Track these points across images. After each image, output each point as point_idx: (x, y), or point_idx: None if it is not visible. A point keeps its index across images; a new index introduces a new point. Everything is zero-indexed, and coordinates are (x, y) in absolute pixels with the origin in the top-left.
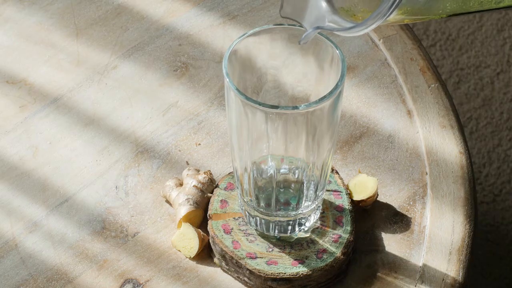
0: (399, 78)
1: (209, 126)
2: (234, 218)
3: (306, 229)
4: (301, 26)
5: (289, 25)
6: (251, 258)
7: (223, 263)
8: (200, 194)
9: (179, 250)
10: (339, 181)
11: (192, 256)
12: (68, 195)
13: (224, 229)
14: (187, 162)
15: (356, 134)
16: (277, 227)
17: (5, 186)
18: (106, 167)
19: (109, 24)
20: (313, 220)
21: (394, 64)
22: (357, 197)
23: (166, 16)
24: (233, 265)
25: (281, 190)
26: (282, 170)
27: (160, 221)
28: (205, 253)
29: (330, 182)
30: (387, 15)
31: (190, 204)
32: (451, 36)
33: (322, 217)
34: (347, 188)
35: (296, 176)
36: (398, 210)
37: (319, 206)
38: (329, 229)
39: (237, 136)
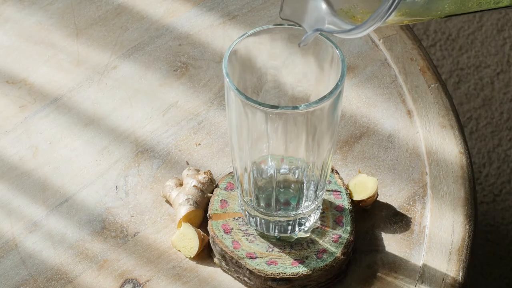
0: (399, 78)
1: (209, 126)
2: (234, 218)
3: (306, 229)
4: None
5: (289, 25)
6: (251, 258)
7: (223, 263)
8: (200, 194)
9: (179, 250)
10: (339, 181)
11: (192, 256)
12: (68, 195)
13: (224, 229)
14: (187, 162)
15: (356, 134)
16: (277, 227)
17: (5, 186)
18: (106, 167)
19: (109, 24)
20: (313, 220)
21: (394, 64)
22: (357, 197)
23: (166, 16)
24: (233, 265)
25: (281, 190)
26: (282, 170)
27: (160, 221)
28: (205, 253)
29: (330, 182)
30: (386, 17)
31: (190, 204)
32: (451, 36)
33: (322, 217)
34: (347, 188)
35: (296, 176)
36: (398, 210)
37: (319, 206)
38: (329, 229)
39: (237, 136)
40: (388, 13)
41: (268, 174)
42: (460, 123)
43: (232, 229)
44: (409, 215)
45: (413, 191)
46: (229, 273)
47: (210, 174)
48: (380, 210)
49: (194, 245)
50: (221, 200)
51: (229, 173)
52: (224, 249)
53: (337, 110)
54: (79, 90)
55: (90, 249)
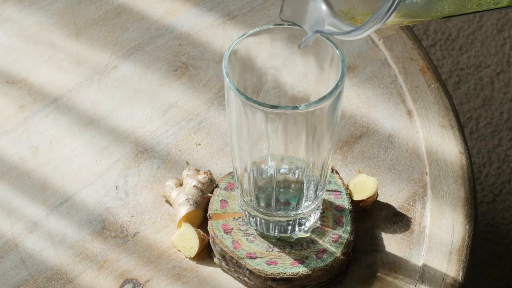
0: (399, 78)
1: (209, 126)
2: (234, 218)
3: (306, 229)
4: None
5: (289, 25)
6: (251, 258)
7: (223, 263)
8: (200, 194)
9: (179, 250)
10: (339, 181)
11: (192, 256)
12: (68, 195)
13: (224, 229)
14: (187, 162)
15: (356, 134)
16: (277, 227)
17: (5, 186)
18: (106, 167)
19: (109, 24)
20: (313, 220)
21: (394, 64)
22: (357, 197)
23: (166, 16)
24: (233, 265)
25: (281, 190)
26: (282, 170)
27: (160, 221)
28: (205, 253)
29: (330, 182)
30: (385, 18)
31: (190, 204)
32: (451, 36)
33: (322, 217)
34: (347, 188)
35: (296, 176)
36: (398, 210)
37: (319, 206)
38: (329, 229)
39: (237, 136)
40: (388, 15)
41: (268, 174)
42: (460, 123)
43: (232, 229)
44: (409, 215)
45: (413, 191)
46: (229, 273)
47: (210, 174)
48: (380, 210)
49: (194, 245)
50: (221, 200)
51: (229, 173)
52: (224, 249)
53: (337, 110)
54: (79, 90)
55: (90, 249)
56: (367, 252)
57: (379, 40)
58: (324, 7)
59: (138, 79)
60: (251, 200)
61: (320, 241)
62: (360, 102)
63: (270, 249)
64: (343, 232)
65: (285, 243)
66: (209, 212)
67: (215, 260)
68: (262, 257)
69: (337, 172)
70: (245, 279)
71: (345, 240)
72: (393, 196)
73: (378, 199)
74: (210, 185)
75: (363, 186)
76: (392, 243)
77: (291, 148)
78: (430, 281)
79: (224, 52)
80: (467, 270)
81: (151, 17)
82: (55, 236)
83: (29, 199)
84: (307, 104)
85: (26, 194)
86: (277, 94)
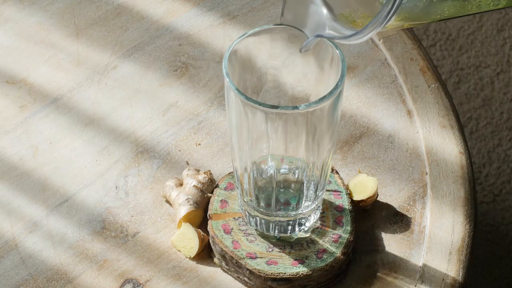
0: (399, 78)
1: (209, 126)
2: (234, 218)
3: (306, 229)
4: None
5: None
6: (251, 258)
7: (223, 263)
8: (200, 194)
9: (179, 250)
10: (339, 181)
11: (192, 256)
12: (68, 195)
13: (224, 229)
14: (187, 162)
15: (356, 134)
16: (277, 227)
17: (5, 186)
18: (106, 167)
19: (109, 24)
20: (313, 220)
21: (394, 64)
22: (357, 197)
23: (166, 16)
24: (233, 265)
25: (281, 190)
26: (282, 170)
27: (160, 221)
28: (205, 253)
29: (330, 182)
30: (385, 22)
31: (190, 204)
32: (451, 36)
33: (322, 217)
34: (347, 188)
35: (296, 176)
36: (398, 210)
37: (319, 206)
38: (329, 229)
39: (237, 136)
40: (387, 19)
41: (268, 174)
42: (460, 123)
43: (232, 229)
44: (409, 215)
45: (413, 191)
46: (229, 273)
47: (210, 174)
48: (380, 210)
49: (194, 245)
50: (221, 200)
51: (229, 173)
52: (224, 249)
53: (337, 110)
54: (79, 90)
55: (90, 249)
56: (367, 252)
57: (379, 40)
58: (324, 10)
59: (138, 79)
60: (251, 200)
61: (320, 241)
62: (360, 102)
63: (270, 249)
64: (343, 232)
65: (285, 243)
66: (209, 212)
67: (215, 260)
68: (262, 257)
69: (337, 172)
70: (245, 279)
71: (345, 240)
72: (393, 196)
73: (378, 199)
74: (210, 185)
75: (363, 186)
76: (392, 243)
77: (291, 148)
78: (430, 281)
79: (224, 52)
80: (467, 270)
81: (151, 17)
82: (55, 236)
83: (29, 199)
84: (307, 104)
85: (26, 194)
86: (277, 94)
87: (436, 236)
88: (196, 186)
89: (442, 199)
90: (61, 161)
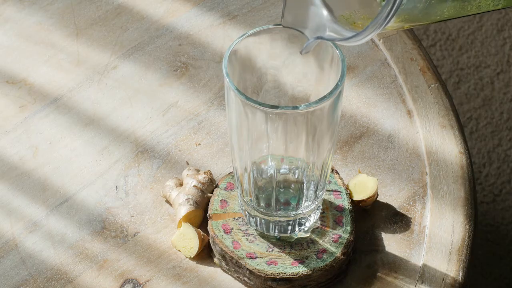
0: (399, 78)
1: (209, 126)
2: (234, 218)
3: (306, 229)
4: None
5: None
6: (251, 258)
7: (223, 263)
8: (200, 194)
9: (179, 250)
10: (339, 181)
11: (192, 256)
12: (68, 195)
13: (224, 229)
14: (187, 162)
15: (356, 134)
16: (277, 227)
17: (5, 186)
18: (106, 167)
19: (109, 24)
20: (313, 220)
21: (394, 64)
22: (357, 197)
23: (166, 16)
24: (233, 265)
25: (281, 190)
26: (282, 170)
27: (160, 221)
28: (205, 253)
29: (330, 182)
30: (385, 24)
31: (190, 204)
32: (451, 36)
33: (322, 217)
34: (347, 188)
35: (296, 176)
36: (398, 210)
37: (319, 206)
38: (329, 229)
39: (237, 136)
40: (387, 20)
41: (268, 174)
42: (460, 123)
43: (232, 229)
44: (409, 215)
45: (413, 191)
46: (229, 273)
47: (210, 174)
48: (380, 210)
49: (194, 245)
50: (221, 200)
51: (229, 173)
52: (224, 249)
53: (337, 110)
54: (79, 90)
55: (90, 249)
56: (367, 252)
57: (379, 40)
58: (325, 12)
59: (138, 79)
60: (251, 200)
61: (320, 241)
62: (360, 102)
63: (270, 249)
64: (343, 232)
65: (285, 243)
66: (209, 212)
67: (215, 260)
68: (262, 257)
69: (337, 172)
70: (245, 279)
71: (345, 240)
72: (393, 196)
73: (378, 199)
74: (210, 185)
75: (363, 186)
76: (392, 243)
77: (291, 148)
78: (430, 281)
79: (224, 52)
80: (467, 270)
81: (151, 17)
82: (55, 236)
83: (29, 199)
84: (307, 104)
85: (26, 194)
86: (277, 94)
87: (436, 236)
88: (196, 186)
89: (442, 199)
90: (61, 161)
